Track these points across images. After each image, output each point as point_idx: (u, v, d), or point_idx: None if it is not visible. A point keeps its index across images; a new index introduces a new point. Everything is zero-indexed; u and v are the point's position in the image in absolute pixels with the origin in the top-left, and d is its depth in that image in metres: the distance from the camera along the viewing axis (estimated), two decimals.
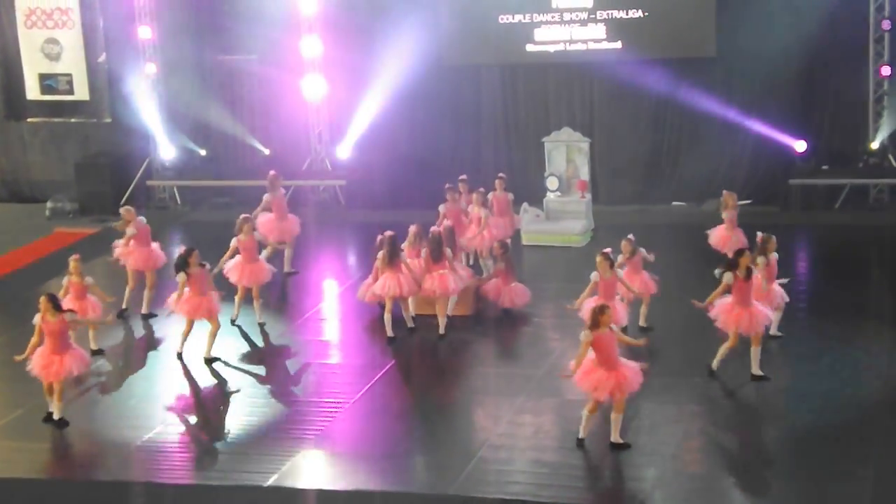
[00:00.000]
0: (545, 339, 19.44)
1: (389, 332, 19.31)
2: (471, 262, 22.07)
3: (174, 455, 16.14)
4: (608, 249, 17.89)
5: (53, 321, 16.45)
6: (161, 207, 28.78)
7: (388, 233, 19.52)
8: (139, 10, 28.66)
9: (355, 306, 20.74)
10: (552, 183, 24.74)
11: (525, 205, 24.56)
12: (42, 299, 16.56)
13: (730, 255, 18.38)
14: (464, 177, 22.77)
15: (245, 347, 19.45)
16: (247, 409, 17.54)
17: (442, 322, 19.54)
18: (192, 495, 15.24)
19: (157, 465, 15.81)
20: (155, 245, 21.23)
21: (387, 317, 19.38)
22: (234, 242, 20.19)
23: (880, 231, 24.02)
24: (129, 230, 20.86)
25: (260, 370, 18.74)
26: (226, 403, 17.72)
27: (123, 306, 20.98)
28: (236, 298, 20.28)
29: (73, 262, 18.91)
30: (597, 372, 14.99)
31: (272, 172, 23.06)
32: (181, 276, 18.57)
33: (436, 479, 15.02)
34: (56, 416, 16.75)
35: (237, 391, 17.99)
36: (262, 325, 20.27)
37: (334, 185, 28.22)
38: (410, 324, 19.66)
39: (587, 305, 16.96)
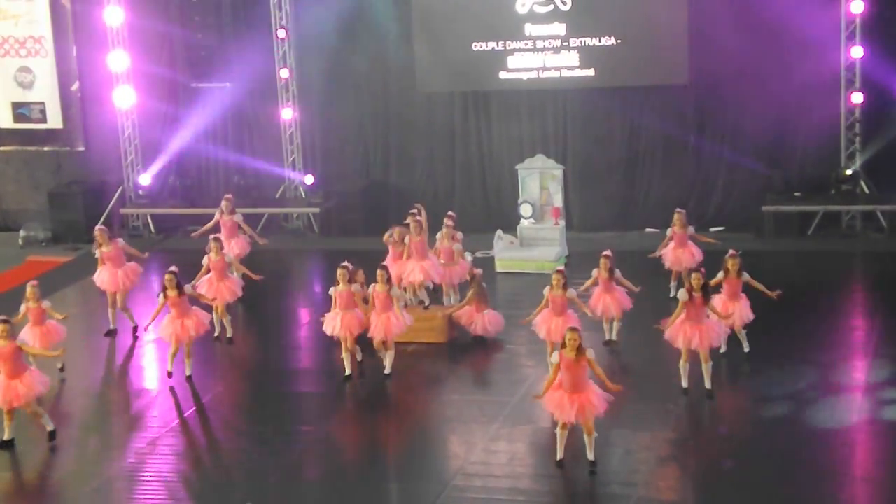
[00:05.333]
0: (519, 366, 19.43)
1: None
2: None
3: (144, 485, 16.07)
4: (562, 268, 18.24)
5: (5, 345, 16.44)
6: (134, 235, 28.69)
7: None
8: (112, 38, 28.65)
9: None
10: (526, 210, 24.77)
11: (499, 232, 24.62)
12: None
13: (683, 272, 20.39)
14: (452, 213, 22.62)
15: (216, 376, 19.39)
16: (217, 437, 17.51)
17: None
18: None
19: (127, 496, 15.77)
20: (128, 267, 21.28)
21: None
22: (205, 260, 20.68)
23: (852, 257, 24.15)
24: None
25: (231, 398, 18.70)
26: (195, 433, 17.69)
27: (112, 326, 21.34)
28: (214, 316, 20.45)
29: (30, 287, 19.12)
30: (558, 393, 15.10)
31: (229, 196, 23.74)
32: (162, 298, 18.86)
33: None
34: (6, 437, 16.85)
35: (207, 420, 17.99)
36: (230, 340, 20.54)
37: (308, 212, 28.19)
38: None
39: (541, 320, 18.12)
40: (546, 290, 18.13)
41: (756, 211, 25.81)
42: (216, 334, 20.63)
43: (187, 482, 16.09)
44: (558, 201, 24.79)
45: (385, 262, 20.23)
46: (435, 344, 20.14)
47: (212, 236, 21.22)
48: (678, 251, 21.13)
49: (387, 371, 18.84)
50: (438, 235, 21.78)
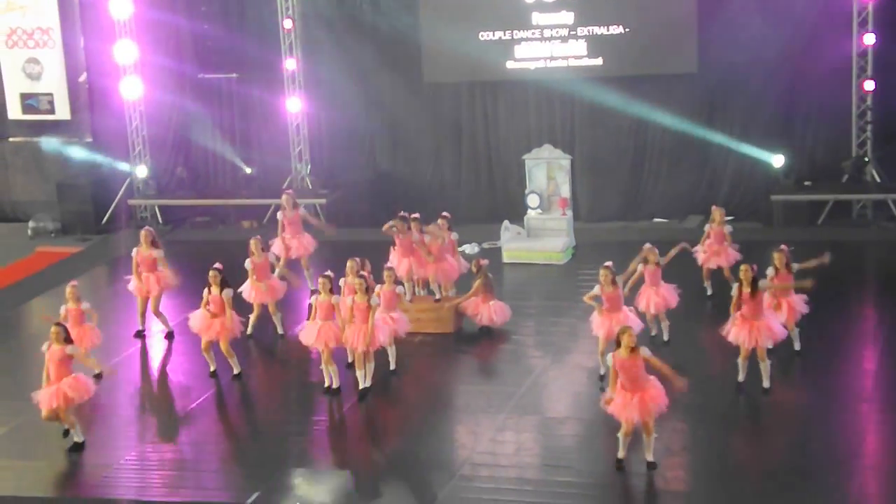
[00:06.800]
0: (526, 356, 19.38)
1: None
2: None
3: (157, 473, 16.11)
4: (609, 263, 17.89)
5: (57, 349, 16.39)
6: (142, 226, 28.63)
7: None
8: (120, 29, 28.61)
9: None
10: (533, 200, 24.71)
11: (506, 222, 24.57)
12: (53, 329, 16.47)
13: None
14: (446, 214, 21.73)
15: (230, 366, 19.35)
16: (230, 426, 17.51)
17: None
18: None
19: (140, 483, 15.79)
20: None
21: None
22: (248, 264, 20.30)
23: (863, 247, 24.03)
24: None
25: (243, 387, 18.69)
26: (209, 421, 17.68)
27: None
28: (251, 317, 20.43)
29: (70, 288, 18.96)
30: (620, 395, 14.97)
31: (290, 191, 23.20)
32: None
33: (417, 497, 14.98)
34: (77, 439, 16.72)
35: (221, 407, 18.00)
36: (282, 336, 20.55)
37: (315, 203, 28.13)
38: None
39: (596, 323, 17.67)
40: (597, 290, 17.64)
41: (765, 200, 25.72)
42: (280, 331, 20.68)
43: (197, 470, 16.09)
44: (565, 192, 24.73)
45: (364, 272, 18.92)
46: (441, 334, 20.11)
47: (252, 238, 20.46)
48: (715, 247, 20.73)
49: (364, 385, 17.98)
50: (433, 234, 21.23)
